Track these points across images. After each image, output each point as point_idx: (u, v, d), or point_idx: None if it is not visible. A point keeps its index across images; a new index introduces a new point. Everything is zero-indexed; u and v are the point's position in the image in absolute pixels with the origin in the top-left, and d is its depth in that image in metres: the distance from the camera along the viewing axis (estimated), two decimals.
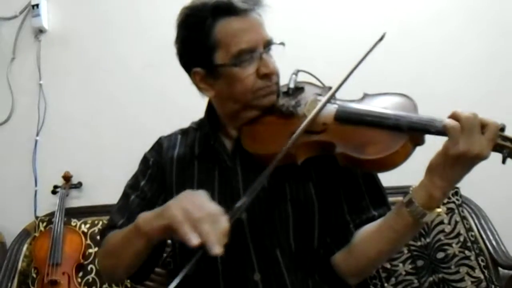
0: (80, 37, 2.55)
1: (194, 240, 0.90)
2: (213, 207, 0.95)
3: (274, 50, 1.19)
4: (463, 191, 2.01)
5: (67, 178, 2.37)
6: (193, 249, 0.91)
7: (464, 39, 2.32)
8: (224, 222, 0.92)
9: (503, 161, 0.93)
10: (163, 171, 1.27)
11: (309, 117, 1.08)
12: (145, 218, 1.02)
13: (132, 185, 1.29)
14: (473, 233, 1.94)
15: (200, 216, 0.92)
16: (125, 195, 1.28)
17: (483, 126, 0.92)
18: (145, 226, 1.01)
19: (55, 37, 2.57)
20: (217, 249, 0.89)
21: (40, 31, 2.56)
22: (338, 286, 1.17)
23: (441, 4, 2.36)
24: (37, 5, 2.52)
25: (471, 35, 2.32)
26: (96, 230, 2.13)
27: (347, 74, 1.13)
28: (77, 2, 2.58)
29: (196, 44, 1.15)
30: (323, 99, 1.12)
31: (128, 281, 1.95)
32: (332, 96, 1.13)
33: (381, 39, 1.14)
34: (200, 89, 1.21)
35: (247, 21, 1.13)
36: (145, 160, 1.32)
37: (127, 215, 1.22)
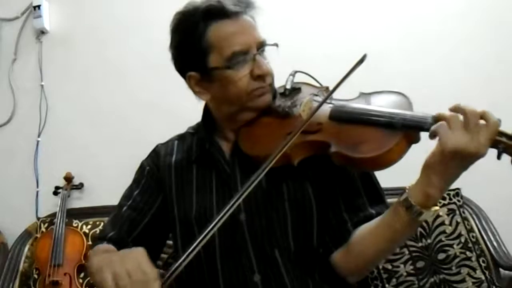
0: (81, 39, 2.56)
1: None
2: (144, 273, 0.88)
3: (270, 52, 1.19)
4: (464, 192, 2.00)
5: (68, 179, 2.38)
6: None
7: (469, 40, 2.32)
8: None
9: (498, 157, 0.92)
10: (159, 179, 1.27)
11: (303, 121, 1.08)
12: (94, 264, 0.99)
13: (127, 195, 1.29)
14: (474, 234, 1.94)
15: (126, 283, 0.86)
16: (119, 206, 1.28)
17: (482, 123, 0.90)
18: (92, 274, 0.97)
19: (56, 38, 2.58)
20: None
21: (42, 32, 2.58)
22: (338, 286, 1.16)
23: (444, 5, 2.36)
24: (38, 7, 2.53)
25: (475, 36, 2.32)
26: (98, 231, 2.13)
27: (332, 89, 1.12)
28: (78, 3, 2.59)
29: (189, 49, 1.16)
30: (317, 103, 1.12)
31: None
32: (323, 104, 1.11)
33: (361, 61, 1.12)
34: (195, 93, 1.22)
35: (239, 23, 1.14)
36: (141, 168, 1.33)
37: (118, 227, 1.23)
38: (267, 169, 0.99)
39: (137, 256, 0.91)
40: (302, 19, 2.40)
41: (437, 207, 0.99)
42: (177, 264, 0.90)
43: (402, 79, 2.20)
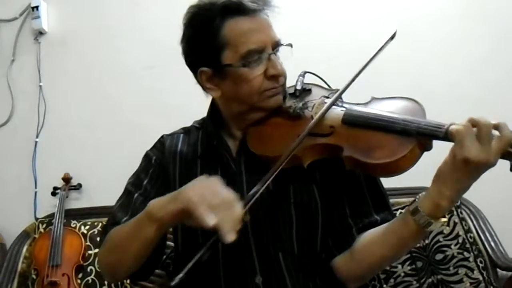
0: (80, 39, 2.56)
1: (211, 221, 0.90)
2: (228, 193, 0.95)
3: (281, 52, 1.18)
4: None
5: (66, 179, 2.37)
6: (196, 247, 0.92)
7: (465, 41, 2.33)
8: (238, 209, 0.93)
9: (511, 169, 0.92)
10: (165, 169, 1.26)
11: (318, 114, 1.08)
12: (157, 203, 1.02)
13: (135, 183, 1.27)
14: (471, 235, 1.94)
15: (215, 202, 0.93)
16: (127, 192, 1.26)
17: (496, 133, 0.90)
18: (158, 212, 1.00)
19: (54, 39, 2.58)
20: (230, 237, 0.90)
21: (40, 33, 2.57)
22: None
23: (441, 6, 2.36)
24: (36, 7, 2.53)
25: (472, 37, 2.32)
26: (96, 232, 2.13)
27: (357, 72, 1.12)
28: (77, 4, 2.59)
29: (203, 44, 1.15)
30: (332, 97, 1.12)
31: (128, 281, 1.96)
32: (341, 95, 1.12)
33: (392, 37, 1.13)
34: (206, 89, 1.21)
35: (256, 21, 1.13)
36: (147, 158, 1.31)
37: (130, 212, 1.19)
38: (278, 170, 1.01)
39: (217, 180, 0.99)
40: (307, 21, 2.41)
41: (445, 219, 0.99)
42: (254, 191, 0.99)
43: (402, 80, 2.22)
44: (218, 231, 0.90)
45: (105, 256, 1.20)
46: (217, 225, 0.90)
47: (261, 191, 1.00)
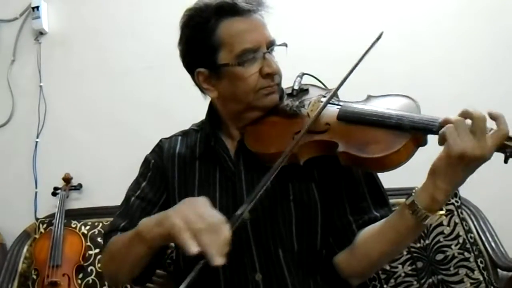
0: (80, 39, 2.56)
1: (193, 248, 0.90)
2: (214, 216, 0.95)
3: (276, 52, 1.19)
4: (462, 193, 2.01)
5: (67, 179, 2.38)
6: (197, 257, 0.92)
7: (466, 39, 2.33)
8: (225, 231, 0.92)
9: (505, 161, 0.92)
10: (164, 172, 1.27)
11: (312, 117, 1.09)
12: (146, 224, 1.03)
13: (133, 187, 1.29)
14: (472, 235, 1.94)
15: (200, 226, 0.92)
16: (126, 199, 1.28)
17: (492, 127, 0.91)
18: (146, 233, 1.02)
19: (55, 39, 2.58)
20: (218, 260, 0.90)
21: (40, 33, 2.58)
22: (339, 287, 1.17)
23: (442, 6, 2.36)
24: (37, 7, 2.53)
25: (473, 35, 2.32)
26: (96, 232, 2.13)
27: (347, 73, 1.13)
28: (77, 4, 2.59)
29: (199, 44, 1.17)
30: (326, 98, 1.13)
31: None
32: (334, 94, 1.14)
33: (378, 38, 1.15)
34: (203, 89, 1.22)
35: (250, 21, 1.15)
36: (145, 162, 1.33)
37: (128, 218, 1.22)
38: (278, 168, 1.02)
39: (205, 201, 0.98)
40: (302, 21, 2.41)
41: (442, 211, 0.99)
42: (239, 213, 0.98)
43: (399, 79, 2.21)
44: (205, 255, 0.90)
45: (106, 264, 1.24)
46: (203, 250, 0.90)
47: (248, 209, 1.00)
